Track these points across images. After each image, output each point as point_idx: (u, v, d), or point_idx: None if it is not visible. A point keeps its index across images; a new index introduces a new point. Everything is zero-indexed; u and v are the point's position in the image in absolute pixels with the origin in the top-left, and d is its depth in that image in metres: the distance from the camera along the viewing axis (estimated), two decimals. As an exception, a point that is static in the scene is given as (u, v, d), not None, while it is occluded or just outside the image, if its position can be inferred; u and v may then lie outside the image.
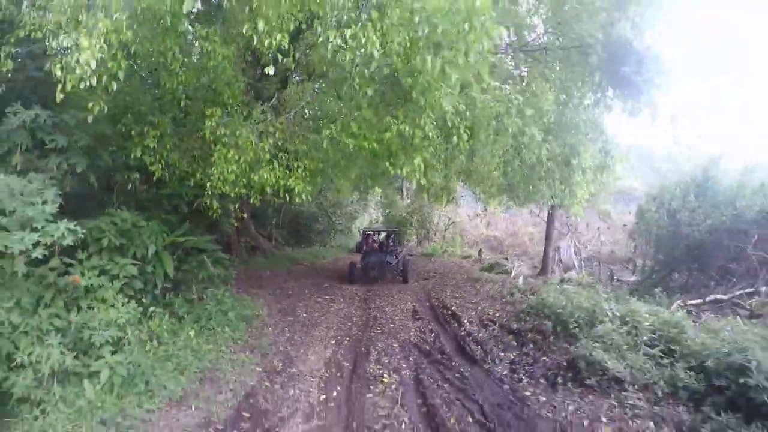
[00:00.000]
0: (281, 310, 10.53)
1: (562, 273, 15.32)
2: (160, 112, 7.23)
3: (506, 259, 20.00)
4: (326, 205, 28.33)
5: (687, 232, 11.29)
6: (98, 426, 4.52)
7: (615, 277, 14.15)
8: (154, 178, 7.47)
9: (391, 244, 18.67)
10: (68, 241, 4.84)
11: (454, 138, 5.92)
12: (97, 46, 4.22)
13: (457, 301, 11.83)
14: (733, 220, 10.90)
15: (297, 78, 8.73)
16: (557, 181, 8.85)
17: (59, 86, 4.45)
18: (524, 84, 7.63)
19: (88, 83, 4.34)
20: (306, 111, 8.04)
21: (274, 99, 7.98)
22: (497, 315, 9.97)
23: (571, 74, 7.14)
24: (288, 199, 7.86)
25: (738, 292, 9.93)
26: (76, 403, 4.68)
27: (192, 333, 6.92)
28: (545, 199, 10.97)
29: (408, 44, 4.74)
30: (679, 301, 9.21)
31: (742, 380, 4.84)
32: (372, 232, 20.56)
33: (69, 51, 4.36)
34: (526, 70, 8.39)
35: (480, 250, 24.45)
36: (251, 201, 8.42)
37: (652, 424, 4.98)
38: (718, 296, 9.90)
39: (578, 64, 6.90)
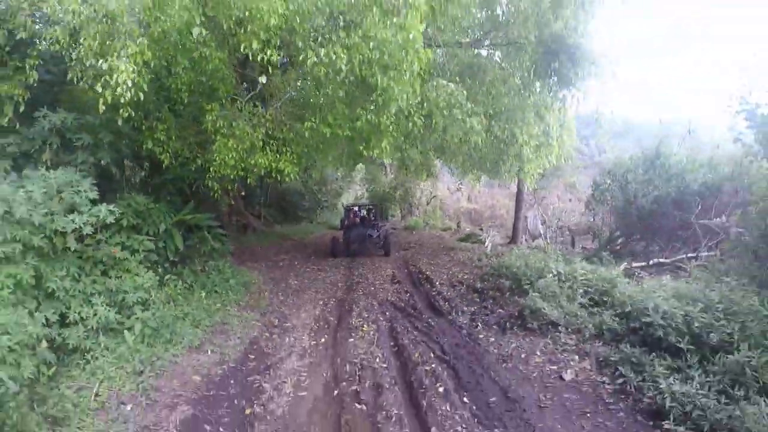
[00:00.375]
0: (274, 279, 11.85)
1: (530, 241, 16.79)
2: (166, 109, 8.39)
3: (481, 229, 21.43)
4: (311, 183, 29.41)
5: (638, 203, 12.69)
6: (138, 365, 5.79)
7: (576, 244, 15.63)
8: (163, 166, 8.66)
9: (372, 218, 19.21)
10: (110, 219, 6.08)
11: (410, 124, 7.31)
12: (131, 69, 5.38)
13: (432, 267, 13.22)
14: (679, 192, 12.23)
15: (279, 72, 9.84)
16: (510, 158, 10.10)
17: (101, 100, 5.59)
18: (467, 79, 8.87)
19: (125, 97, 5.51)
20: (289, 103, 9.21)
21: (259, 87, 9.08)
22: (465, 277, 11.38)
23: (509, 68, 8.37)
24: (279, 178, 9.11)
25: (680, 257, 11.27)
26: (117, 350, 5.92)
27: (203, 295, 8.28)
28: (501, 173, 12.22)
29: (366, 62, 5.99)
30: (625, 264, 10.62)
31: (645, 320, 6.20)
32: (354, 207, 21.10)
33: (107, 72, 5.49)
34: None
35: (459, 222, 25.89)
36: (248, 181, 9.66)
37: (576, 357, 6.36)
38: (662, 260, 11.29)
39: (515, 58, 8.17)
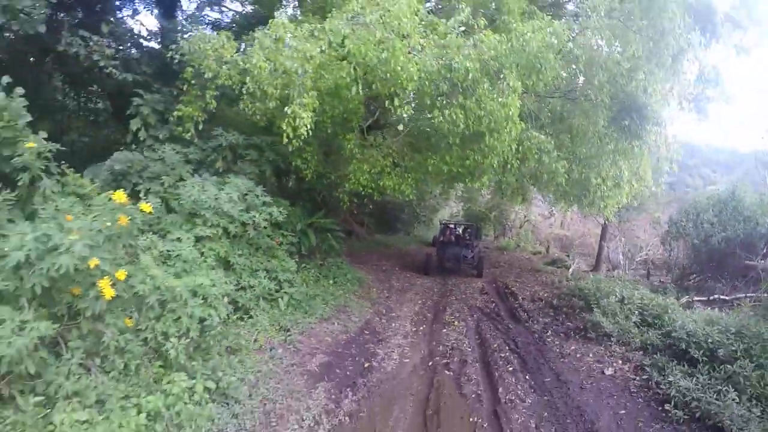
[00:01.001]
0: (379, 279, 13.99)
1: (611, 270, 17.96)
2: (313, 136, 10.77)
3: (568, 255, 22.64)
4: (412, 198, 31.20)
5: (710, 242, 13.74)
6: (286, 324, 8.00)
7: (652, 277, 16.66)
8: (306, 179, 11.02)
9: (468, 237, 19.24)
10: (281, 218, 8.44)
11: (508, 165, 9.26)
12: (307, 115, 7.62)
13: (517, 284, 14.87)
14: (747, 234, 13.24)
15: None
16: (590, 194, 11.54)
17: (284, 134, 7.88)
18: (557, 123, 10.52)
19: (303, 134, 7.77)
20: (407, 139, 11.30)
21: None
22: (545, 295, 12.98)
23: (591, 119, 9.90)
24: (401, 197, 11.24)
25: (740, 296, 12.21)
26: (271, 312, 8.16)
27: (330, 283, 10.58)
28: (582, 206, 13.58)
29: (477, 119, 7.90)
30: (687, 297, 11.85)
31: (675, 335, 7.72)
32: (451, 224, 21.52)
33: (290, 115, 7.75)
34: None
35: (548, 247, 27.07)
36: (374, 198, 11.88)
37: (620, 361, 7.94)
38: (723, 297, 12.31)
39: (594, 113, 9.72)
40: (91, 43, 8.89)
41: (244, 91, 8.30)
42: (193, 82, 9.18)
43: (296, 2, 13.49)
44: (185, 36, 9.60)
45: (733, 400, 5.76)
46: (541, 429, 5.65)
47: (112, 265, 4.26)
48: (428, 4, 12.64)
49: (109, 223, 4.39)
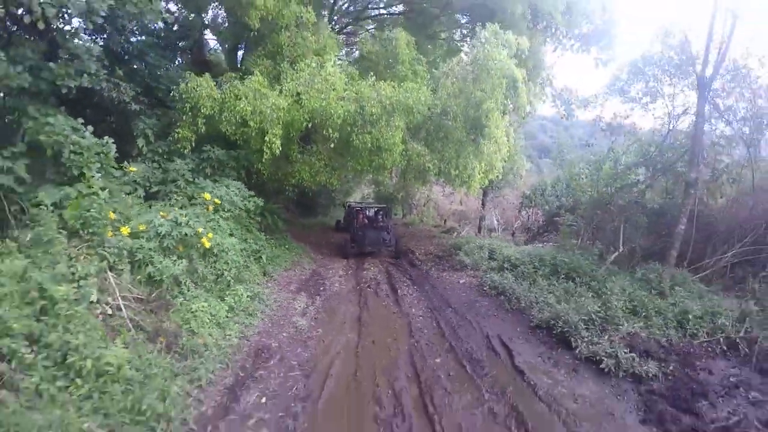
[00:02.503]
0: (314, 248, 19.16)
1: (489, 233, 24.22)
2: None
3: (459, 225, 28.83)
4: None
5: (550, 209, 20.11)
6: (266, 270, 13.06)
7: (515, 235, 23.14)
8: (264, 177, 16.01)
9: (382, 220, 21.52)
10: (260, 205, 13.45)
11: (399, 165, 15.02)
12: (278, 141, 12.75)
13: (416, 246, 20.53)
14: (573, 202, 19.63)
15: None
16: (453, 178, 17.12)
17: (265, 154, 12.92)
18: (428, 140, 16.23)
19: (276, 153, 12.88)
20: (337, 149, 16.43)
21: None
22: (434, 250, 18.78)
23: (449, 133, 15.65)
24: (328, 186, 16.56)
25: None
26: (257, 265, 13.19)
27: (285, 249, 15.75)
28: (456, 185, 19.27)
29: (378, 144, 13.34)
30: (532, 243, 18.07)
31: (500, 260, 13.70)
32: (360, 207, 24.03)
33: (267, 142, 12.82)
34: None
35: (445, 220, 33.20)
36: (308, 188, 17.07)
37: (470, 277, 13.80)
38: (550, 243, 18.69)
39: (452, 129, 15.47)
40: (121, 89, 13.20)
41: (224, 119, 13.16)
42: (189, 112, 13.72)
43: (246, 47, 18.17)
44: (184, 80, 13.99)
45: (513, 282, 11.72)
46: (419, 303, 11.26)
47: (204, 232, 9.31)
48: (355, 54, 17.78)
49: (199, 210, 9.46)
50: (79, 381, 5.01)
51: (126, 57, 14.06)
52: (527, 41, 14.34)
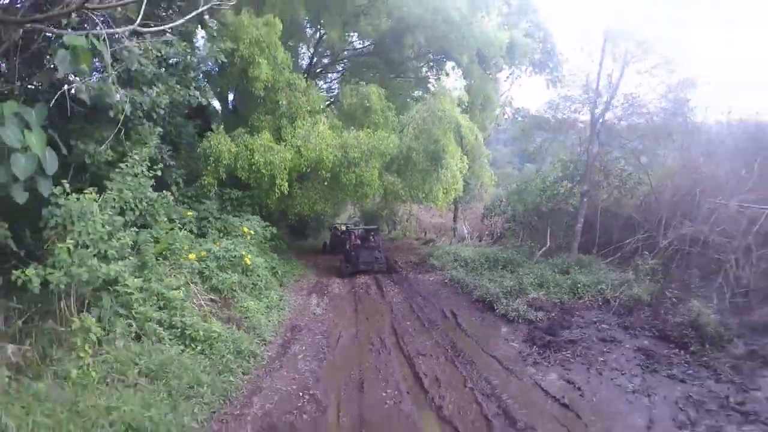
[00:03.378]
0: (313, 265, 23.39)
1: (460, 241, 28.65)
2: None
3: (436, 237, 33.27)
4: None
5: (505, 217, 24.60)
6: (283, 281, 17.31)
7: (482, 240, 27.60)
8: (272, 208, 20.29)
9: (373, 239, 23.47)
10: (273, 232, 17.76)
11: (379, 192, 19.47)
12: (286, 184, 17.07)
13: (398, 256, 24.82)
14: (523, 211, 24.13)
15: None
16: (424, 199, 21.54)
17: (276, 194, 17.26)
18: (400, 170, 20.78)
19: (284, 192, 17.23)
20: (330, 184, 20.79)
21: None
22: (413, 259, 23.15)
23: (416, 164, 20.18)
24: (321, 213, 20.99)
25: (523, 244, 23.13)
26: (274, 278, 17.45)
27: (292, 265, 20.06)
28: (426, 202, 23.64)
29: (360, 180, 17.69)
30: (492, 246, 22.51)
31: (458, 259, 18.11)
32: (344, 227, 28.25)
33: (278, 184, 17.18)
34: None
35: (425, 233, 37.61)
36: (308, 214, 21.47)
37: (437, 276, 18.19)
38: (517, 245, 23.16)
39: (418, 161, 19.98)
40: (162, 150, 17.39)
41: (239, 167, 17.43)
42: (212, 163, 17.81)
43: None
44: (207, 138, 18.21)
45: (465, 274, 16.14)
46: (399, 295, 15.62)
47: (245, 254, 13.63)
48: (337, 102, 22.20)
49: (239, 240, 13.83)
50: (193, 344, 9.08)
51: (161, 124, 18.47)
52: (467, 95, 19.19)
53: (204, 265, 12.27)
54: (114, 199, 9.31)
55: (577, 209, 17.47)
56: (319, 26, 24.20)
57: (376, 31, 20.86)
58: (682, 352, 9.11)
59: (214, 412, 7.11)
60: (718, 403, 7.20)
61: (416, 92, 26.54)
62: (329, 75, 30.31)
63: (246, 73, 17.19)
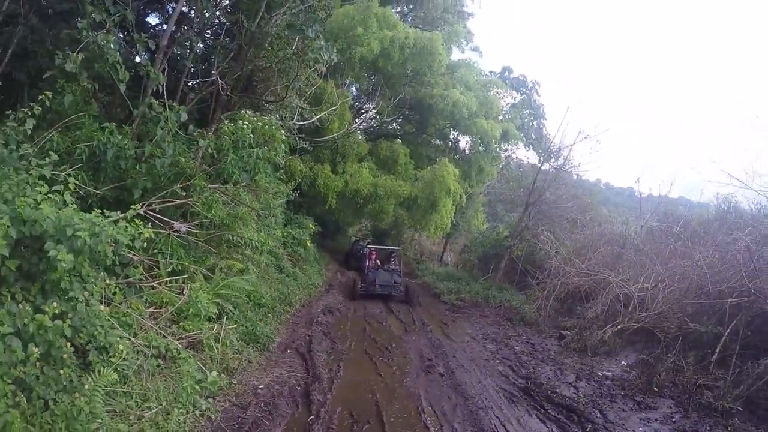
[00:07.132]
0: (334, 260, 34.41)
1: (445, 265, 39.62)
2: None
3: (428, 259, 44.38)
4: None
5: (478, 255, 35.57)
6: (321, 270, 28.28)
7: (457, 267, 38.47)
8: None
9: (393, 261, 25.79)
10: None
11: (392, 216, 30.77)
12: (335, 200, 28.16)
13: (396, 267, 35.89)
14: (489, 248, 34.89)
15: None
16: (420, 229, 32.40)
17: (329, 205, 28.25)
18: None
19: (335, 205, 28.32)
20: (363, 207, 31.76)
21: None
22: (405, 270, 33.83)
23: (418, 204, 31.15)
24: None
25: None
26: (305, 274, 28.28)
27: (323, 254, 31.27)
28: (424, 232, 34.63)
29: (381, 210, 28.71)
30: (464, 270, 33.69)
31: (435, 273, 29.28)
32: (373, 248, 28.03)
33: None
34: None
35: (421, 255, 48.45)
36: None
37: (422, 282, 29.27)
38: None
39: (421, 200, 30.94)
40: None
41: (305, 182, 28.51)
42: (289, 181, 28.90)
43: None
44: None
45: (435, 281, 27.36)
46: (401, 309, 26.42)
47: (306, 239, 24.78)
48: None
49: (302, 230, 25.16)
50: (288, 276, 20.26)
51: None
52: (466, 165, 30.58)
53: (285, 240, 23.31)
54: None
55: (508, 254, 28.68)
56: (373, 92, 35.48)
57: (412, 108, 32.27)
58: (510, 324, 20.02)
59: (304, 301, 18.32)
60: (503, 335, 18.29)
61: (435, 141, 36.85)
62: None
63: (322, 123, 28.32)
